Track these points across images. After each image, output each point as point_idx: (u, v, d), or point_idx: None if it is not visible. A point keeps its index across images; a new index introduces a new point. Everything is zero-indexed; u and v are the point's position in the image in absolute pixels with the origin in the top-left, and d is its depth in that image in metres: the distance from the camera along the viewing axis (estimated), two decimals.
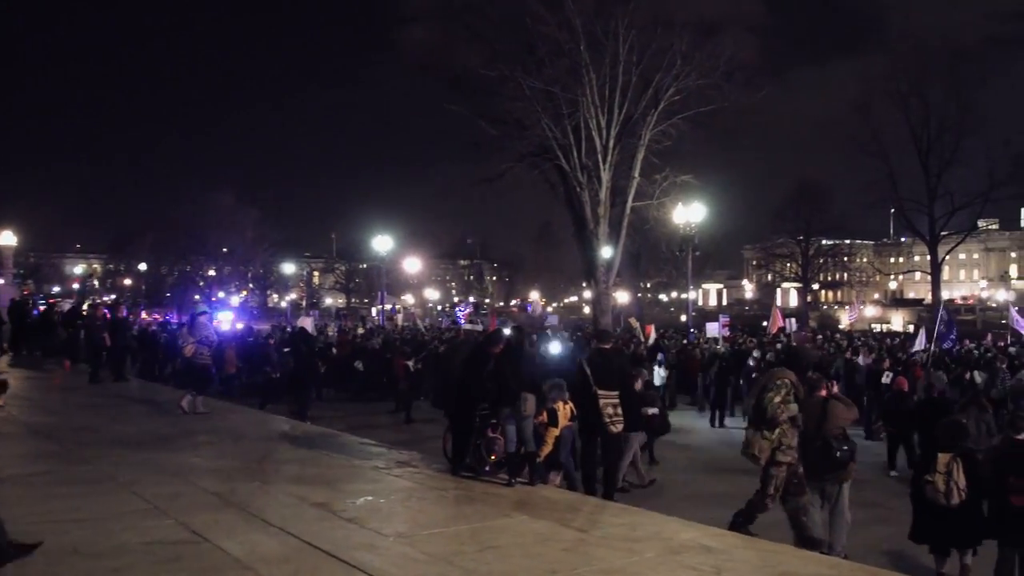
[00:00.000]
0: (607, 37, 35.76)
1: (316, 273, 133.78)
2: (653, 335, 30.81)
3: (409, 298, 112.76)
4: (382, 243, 52.01)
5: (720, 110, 36.86)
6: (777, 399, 8.97)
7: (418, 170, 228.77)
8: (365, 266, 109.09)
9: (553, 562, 7.43)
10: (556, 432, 11.38)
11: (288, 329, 29.99)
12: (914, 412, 16.04)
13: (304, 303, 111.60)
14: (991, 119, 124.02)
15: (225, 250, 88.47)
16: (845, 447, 9.84)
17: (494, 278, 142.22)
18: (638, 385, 14.79)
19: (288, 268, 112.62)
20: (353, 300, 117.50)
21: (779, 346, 29.71)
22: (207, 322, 17.61)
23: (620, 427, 11.24)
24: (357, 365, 27.46)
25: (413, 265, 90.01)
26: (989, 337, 39.86)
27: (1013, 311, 32.17)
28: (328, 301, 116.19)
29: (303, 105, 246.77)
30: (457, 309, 68.41)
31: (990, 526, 8.77)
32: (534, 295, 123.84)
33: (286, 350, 21.06)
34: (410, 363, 23.70)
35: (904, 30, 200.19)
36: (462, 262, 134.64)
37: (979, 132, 71.20)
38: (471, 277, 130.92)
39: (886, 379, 20.40)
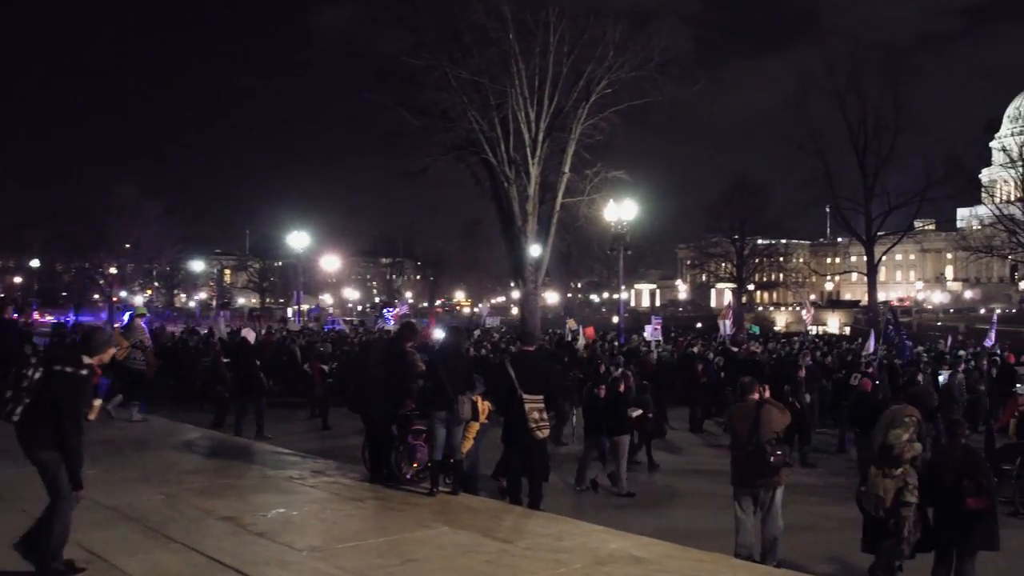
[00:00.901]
0: (537, 26, 35.95)
1: (227, 271, 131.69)
2: (582, 338, 31.05)
3: (327, 298, 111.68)
4: (298, 239, 51.42)
5: (654, 104, 37.38)
6: (904, 436, 8.92)
7: (338, 163, 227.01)
8: (280, 264, 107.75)
9: (475, 575, 7.43)
10: (477, 427, 11.41)
11: (219, 337, 29.25)
12: (850, 409, 16.76)
13: (215, 303, 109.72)
14: (927, 118, 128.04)
15: (128, 246, 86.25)
16: (779, 452, 9.98)
17: (418, 277, 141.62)
18: (622, 387, 15.21)
19: (197, 265, 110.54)
20: (268, 300, 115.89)
21: (720, 348, 30.31)
22: (143, 324, 17.24)
23: (546, 432, 11.26)
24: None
25: (331, 263, 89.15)
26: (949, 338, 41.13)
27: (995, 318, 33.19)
28: (240, 301, 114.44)
29: (214, 92, 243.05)
30: (386, 309, 67.66)
31: (943, 533, 8.97)
32: (459, 295, 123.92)
33: (226, 361, 20.57)
34: (326, 366, 23.46)
35: (839, 25, 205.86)
36: (384, 260, 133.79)
37: (915, 130, 73.18)
38: (393, 276, 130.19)
39: (854, 381, 20.87)
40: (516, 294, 47.80)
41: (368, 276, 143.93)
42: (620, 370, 17.63)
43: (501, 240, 41.07)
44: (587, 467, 14.75)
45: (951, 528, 8.80)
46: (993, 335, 33.10)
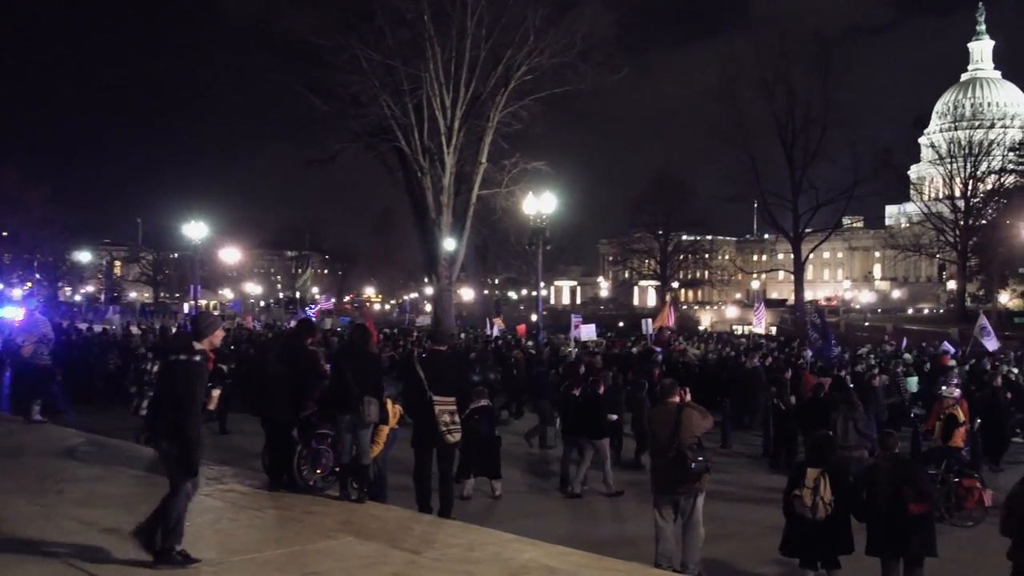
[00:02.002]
0: (454, 7, 35.91)
1: (118, 263, 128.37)
2: (495, 335, 31.24)
3: (227, 292, 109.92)
4: (195, 230, 50.33)
5: (575, 92, 37.65)
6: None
7: (240, 149, 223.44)
8: (176, 256, 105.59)
9: None
10: (387, 431, 11.36)
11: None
12: (797, 413, 17.27)
13: (103, 297, 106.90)
14: (857, 112, 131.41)
15: (5, 234, 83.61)
16: (700, 458, 10.11)
17: (326, 271, 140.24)
18: (601, 389, 15.59)
19: (83, 256, 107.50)
20: (162, 294, 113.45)
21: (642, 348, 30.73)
22: (45, 318, 16.78)
23: (457, 436, 11.24)
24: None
25: (232, 255, 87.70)
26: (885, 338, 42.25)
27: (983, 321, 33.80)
28: (132, 295, 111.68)
29: (106, 73, 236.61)
30: (310, 306, 66.68)
31: (886, 542, 9.37)
32: (370, 290, 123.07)
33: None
34: (224, 366, 23.08)
35: (768, 13, 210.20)
36: (289, 253, 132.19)
37: (844, 125, 75.20)
38: (299, 269, 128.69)
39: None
40: (430, 290, 47.70)
41: (272, 270, 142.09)
42: (606, 372, 18.06)
43: (414, 233, 40.93)
44: (569, 471, 15.20)
45: (894, 536, 9.22)
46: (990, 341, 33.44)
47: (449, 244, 38.14)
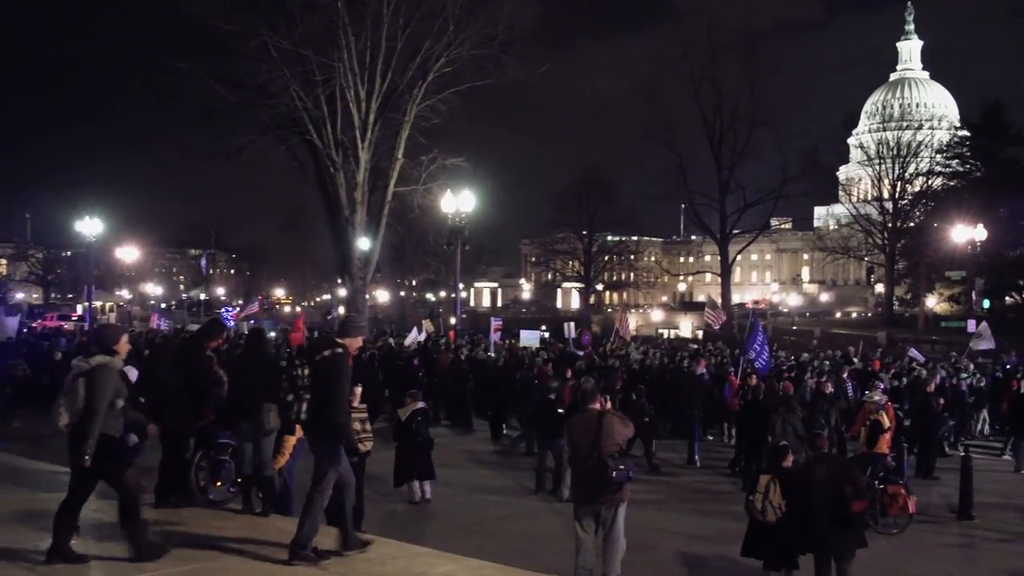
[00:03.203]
0: None
1: (3, 261, 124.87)
2: (414, 335, 31.18)
3: (125, 293, 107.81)
4: (90, 226, 49.22)
5: (497, 86, 37.70)
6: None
7: (139, 141, 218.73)
8: (68, 254, 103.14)
9: None
10: (294, 440, 11.26)
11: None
12: (738, 414, 17.83)
13: None
14: (785, 110, 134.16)
15: None
16: (622, 467, 10.18)
17: (232, 271, 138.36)
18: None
19: None
20: (53, 295, 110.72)
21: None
22: None
23: (369, 445, 11.20)
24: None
25: (130, 254, 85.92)
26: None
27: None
28: (19, 296, 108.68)
29: None
30: (225, 308, 65.44)
31: (824, 539, 9.98)
32: (279, 291, 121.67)
33: None
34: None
35: (695, 6, 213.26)
36: (192, 251, 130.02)
37: (773, 123, 76.94)
38: (211, 271, 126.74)
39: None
40: (343, 291, 47.30)
41: (174, 269, 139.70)
42: (586, 378, 18.35)
43: (326, 231, 40.59)
44: (545, 474, 15.93)
45: (832, 534, 9.88)
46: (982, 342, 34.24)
47: (363, 243, 37.87)
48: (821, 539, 10.03)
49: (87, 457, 8.10)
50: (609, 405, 10.93)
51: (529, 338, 36.03)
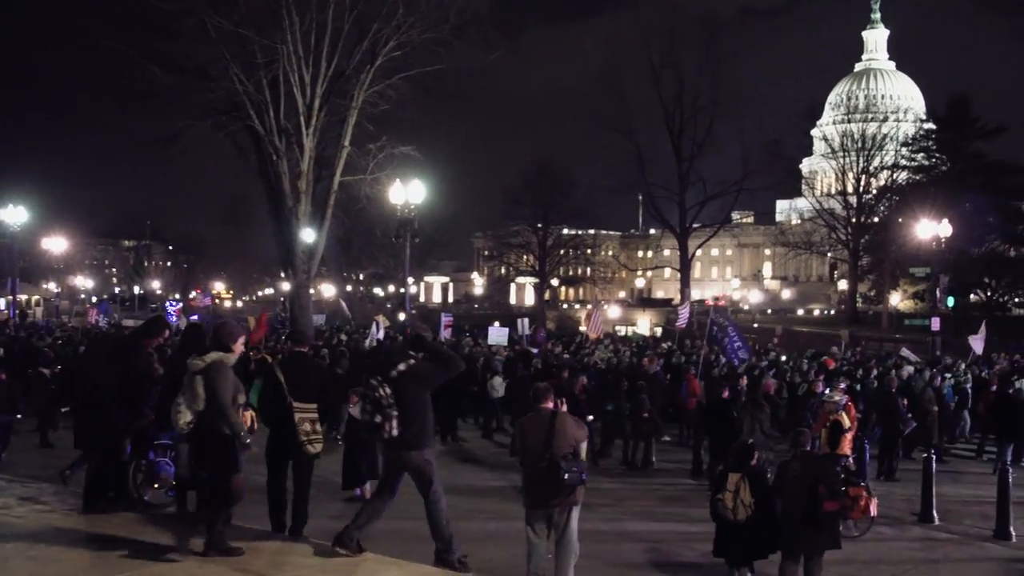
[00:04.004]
0: None
1: None
2: (377, 330, 31.15)
3: (53, 286, 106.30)
4: (14, 215, 48.58)
5: (449, 71, 37.56)
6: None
7: (68, 126, 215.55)
8: None
9: None
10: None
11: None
12: (702, 414, 18.16)
13: None
14: (748, 100, 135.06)
15: None
16: (575, 469, 10.22)
17: (169, 264, 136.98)
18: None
19: None
20: None
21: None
22: None
23: (319, 447, 11.14)
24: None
25: (58, 244, 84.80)
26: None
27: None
28: None
29: None
30: (169, 303, 64.49)
31: (796, 536, 10.37)
32: (219, 285, 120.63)
33: None
34: (47, 370, 22.37)
35: None
36: (126, 243, 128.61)
37: (734, 114, 77.43)
38: (145, 263, 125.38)
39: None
40: (286, 286, 47.03)
41: (106, 261, 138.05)
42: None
43: (269, 222, 40.28)
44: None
45: (805, 530, 10.25)
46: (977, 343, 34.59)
47: (308, 235, 37.60)
48: (791, 538, 10.39)
49: (248, 443, 9.02)
50: (565, 408, 10.97)
51: (497, 336, 36.03)
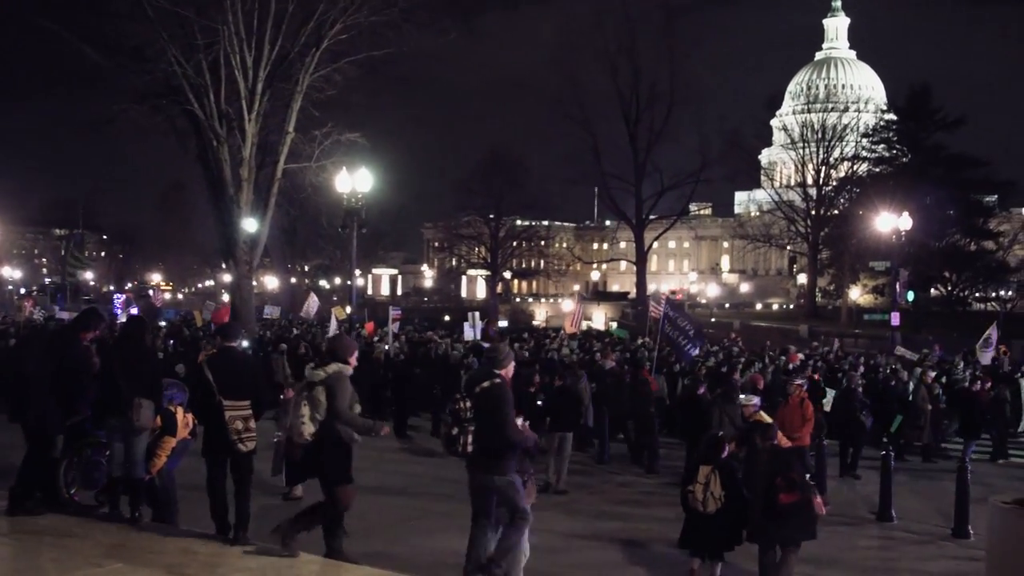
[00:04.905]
0: None
1: None
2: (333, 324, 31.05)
3: None
4: None
5: (398, 56, 37.52)
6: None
7: None
8: None
9: None
10: (173, 442, 11.08)
11: None
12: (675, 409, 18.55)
13: None
14: (706, 90, 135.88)
15: None
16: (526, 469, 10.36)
17: (103, 253, 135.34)
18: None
19: None
20: None
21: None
22: None
23: (251, 445, 11.09)
24: None
25: None
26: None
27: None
28: None
29: None
30: (116, 296, 63.46)
31: (758, 527, 10.80)
32: (156, 277, 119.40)
33: None
34: None
35: None
36: (57, 231, 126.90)
37: (692, 103, 77.79)
38: (70, 252, 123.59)
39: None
40: (227, 277, 46.71)
41: (36, 251, 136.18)
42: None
43: (209, 211, 40.00)
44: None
45: (768, 524, 10.74)
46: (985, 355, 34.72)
47: (250, 225, 37.35)
48: (758, 529, 10.82)
49: (381, 433, 9.70)
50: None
51: (472, 332, 35.99)
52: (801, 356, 31.80)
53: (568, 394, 19.01)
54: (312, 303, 44.02)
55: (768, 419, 15.49)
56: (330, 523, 9.67)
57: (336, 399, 9.35)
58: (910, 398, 23.84)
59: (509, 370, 9.94)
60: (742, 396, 16.75)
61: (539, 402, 19.28)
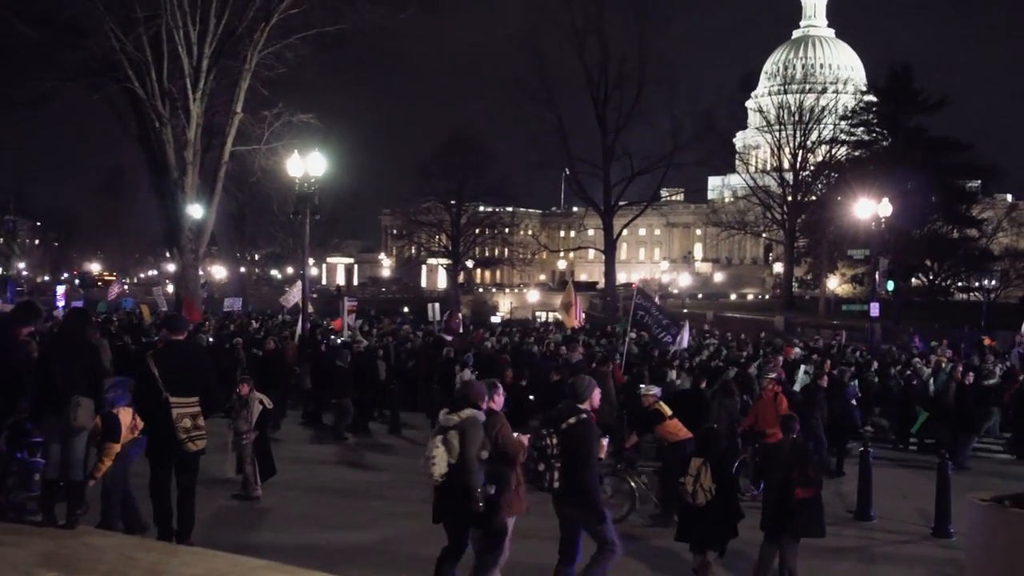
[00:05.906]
0: None
1: None
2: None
3: None
4: None
5: (353, 32, 37.41)
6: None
7: None
8: None
9: None
10: (117, 448, 10.98)
11: None
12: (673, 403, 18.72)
13: None
14: (678, 69, 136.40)
15: None
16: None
17: (37, 242, 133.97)
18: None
19: None
20: None
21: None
22: None
23: (201, 444, 11.03)
24: None
25: None
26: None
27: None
28: None
29: None
30: (58, 286, 62.87)
31: (775, 519, 11.26)
32: (95, 266, 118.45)
33: None
34: None
35: None
36: None
37: (664, 83, 77.47)
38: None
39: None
40: (171, 266, 46.41)
41: None
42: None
43: (151, 196, 39.72)
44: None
45: (782, 515, 11.18)
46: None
47: (195, 211, 37.14)
48: (769, 521, 11.29)
49: (480, 504, 9.61)
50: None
51: (433, 314, 36.44)
52: (797, 350, 31.76)
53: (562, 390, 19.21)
54: (294, 293, 43.69)
55: (668, 410, 15.73)
56: (479, 556, 10.05)
57: (466, 446, 9.65)
58: (930, 394, 23.89)
59: (594, 400, 10.50)
60: (641, 387, 16.96)
61: (531, 396, 20.08)
